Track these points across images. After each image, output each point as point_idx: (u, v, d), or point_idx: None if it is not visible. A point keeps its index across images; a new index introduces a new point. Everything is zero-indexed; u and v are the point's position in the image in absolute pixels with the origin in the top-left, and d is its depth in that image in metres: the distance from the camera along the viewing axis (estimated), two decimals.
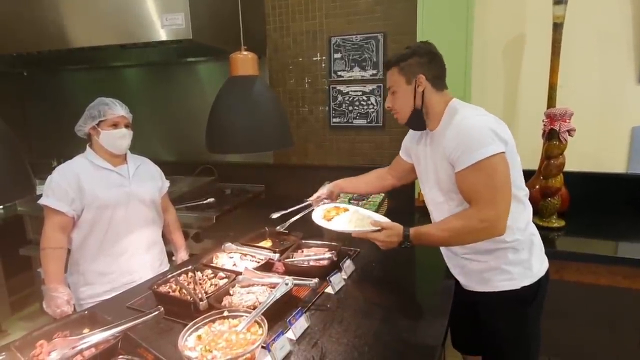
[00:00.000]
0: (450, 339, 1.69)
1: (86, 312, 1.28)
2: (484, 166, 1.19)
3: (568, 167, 1.95)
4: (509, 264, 1.33)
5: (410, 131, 1.57)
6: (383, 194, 2.32)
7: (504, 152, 1.21)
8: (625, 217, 2.06)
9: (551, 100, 2.03)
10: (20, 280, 2.97)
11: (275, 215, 1.81)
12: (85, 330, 1.18)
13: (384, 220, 1.44)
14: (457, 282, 1.49)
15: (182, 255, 1.96)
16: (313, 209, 1.70)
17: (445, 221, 1.30)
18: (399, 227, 1.33)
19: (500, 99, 2.34)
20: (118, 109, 1.67)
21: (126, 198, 1.70)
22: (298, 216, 1.77)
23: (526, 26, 2.22)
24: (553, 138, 1.91)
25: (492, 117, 1.30)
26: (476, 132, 1.22)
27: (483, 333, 1.48)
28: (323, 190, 1.77)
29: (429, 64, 1.33)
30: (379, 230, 1.36)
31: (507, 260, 1.33)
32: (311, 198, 1.78)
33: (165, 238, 1.96)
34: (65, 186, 1.60)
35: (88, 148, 1.72)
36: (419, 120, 1.37)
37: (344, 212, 1.61)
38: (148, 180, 1.81)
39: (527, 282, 1.34)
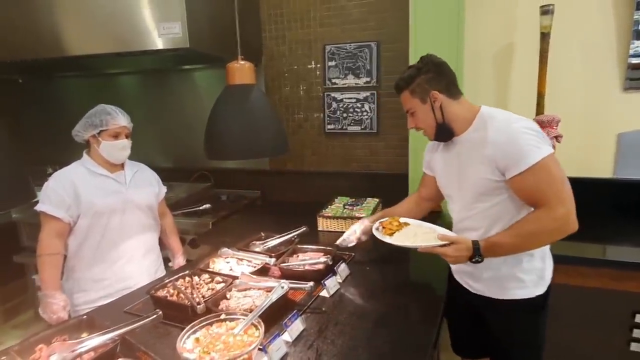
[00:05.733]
0: (450, 342, 1.70)
1: (84, 316, 1.29)
2: (541, 167, 1.19)
3: None
4: (523, 272, 1.34)
5: (428, 144, 1.57)
6: (377, 199, 2.36)
7: (553, 152, 1.22)
8: (612, 221, 2.10)
9: (539, 108, 2.09)
10: (13, 288, 2.94)
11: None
12: (84, 335, 1.19)
13: (450, 233, 1.37)
14: (458, 285, 1.50)
15: (179, 261, 1.97)
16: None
17: (514, 227, 1.24)
18: (467, 241, 1.26)
19: (490, 107, 2.39)
20: (120, 119, 1.67)
21: (122, 205, 1.71)
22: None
23: (515, 36, 2.28)
24: None
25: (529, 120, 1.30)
26: (526, 136, 1.22)
27: (489, 337, 1.47)
28: (361, 227, 1.69)
29: (437, 77, 1.33)
30: (446, 244, 1.28)
31: (522, 268, 1.33)
32: (350, 241, 1.69)
33: (162, 244, 1.97)
34: (61, 192, 1.60)
35: (85, 155, 1.72)
36: (445, 132, 1.38)
37: (405, 227, 1.52)
38: (145, 187, 1.82)
39: (540, 291, 1.35)
